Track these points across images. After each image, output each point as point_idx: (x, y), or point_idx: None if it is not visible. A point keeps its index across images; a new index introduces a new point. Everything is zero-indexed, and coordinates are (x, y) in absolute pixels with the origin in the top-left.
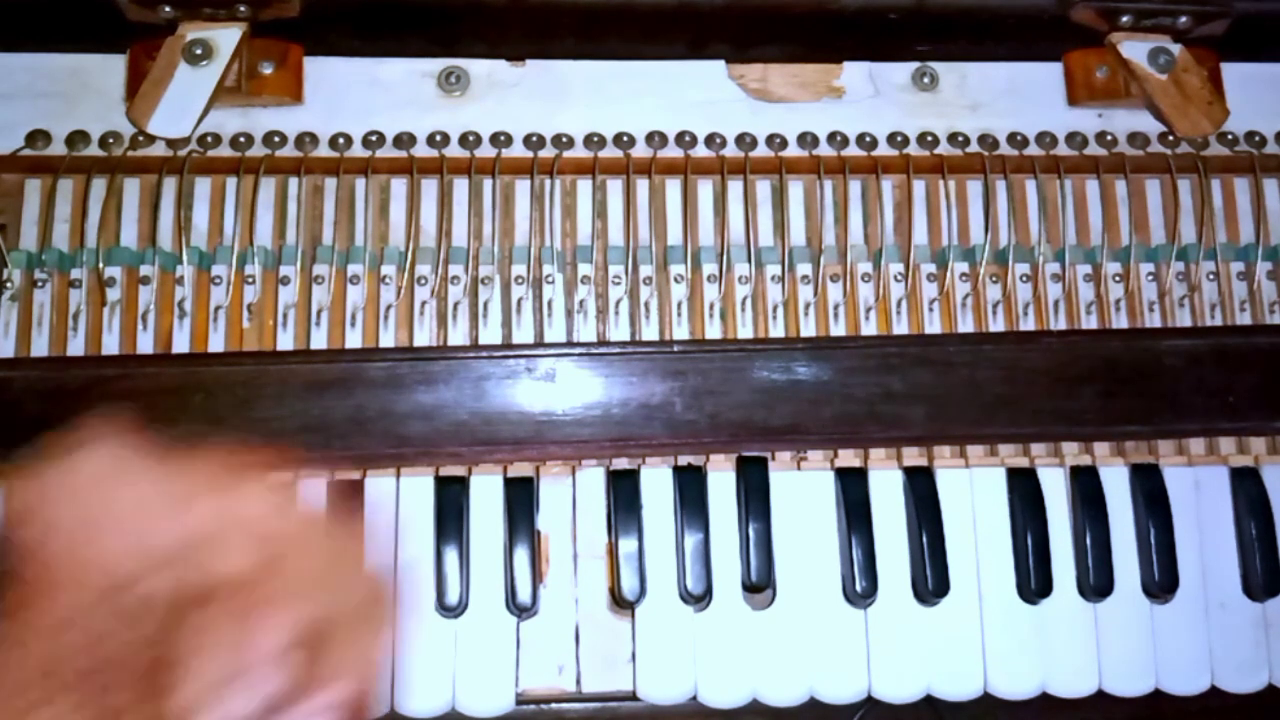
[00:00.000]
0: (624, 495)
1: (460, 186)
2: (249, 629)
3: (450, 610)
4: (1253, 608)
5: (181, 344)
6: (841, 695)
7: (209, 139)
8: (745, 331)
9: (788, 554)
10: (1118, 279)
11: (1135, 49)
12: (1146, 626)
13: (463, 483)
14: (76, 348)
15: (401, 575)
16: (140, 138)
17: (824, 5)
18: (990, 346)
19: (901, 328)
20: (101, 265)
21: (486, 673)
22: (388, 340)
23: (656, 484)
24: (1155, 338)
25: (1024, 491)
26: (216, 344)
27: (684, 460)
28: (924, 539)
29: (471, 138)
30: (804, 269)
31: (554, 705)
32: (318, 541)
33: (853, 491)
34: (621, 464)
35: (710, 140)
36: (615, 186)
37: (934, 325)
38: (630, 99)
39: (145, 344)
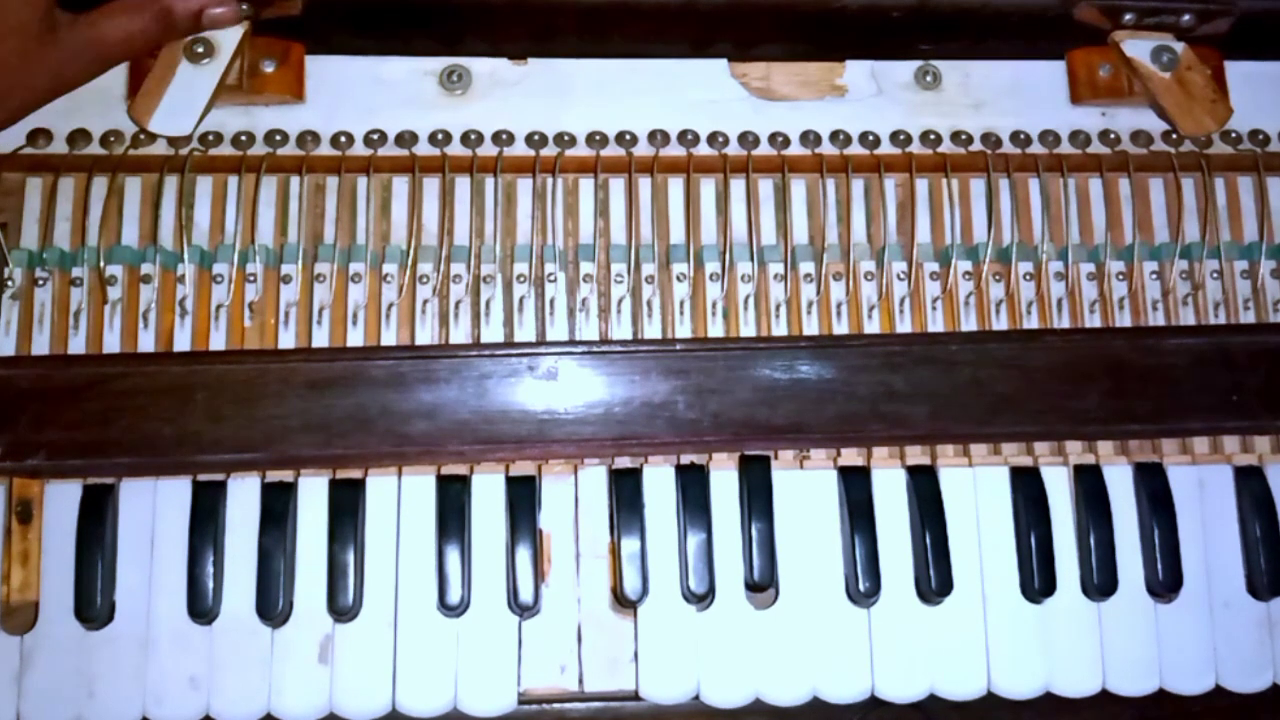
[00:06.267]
0: (626, 494)
1: (462, 185)
2: None
3: (452, 610)
4: (1257, 607)
5: (183, 343)
6: (844, 695)
7: (210, 137)
8: (748, 330)
9: (790, 553)
10: (1121, 277)
11: (1138, 47)
12: (1150, 626)
13: (464, 482)
14: (78, 346)
15: (403, 575)
16: (142, 136)
17: (827, 4)
18: (993, 345)
19: (904, 326)
20: (103, 264)
21: (488, 672)
22: (389, 339)
23: (659, 483)
24: (1159, 336)
25: (1027, 490)
26: (218, 342)
27: (686, 459)
28: (927, 538)
29: (473, 136)
30: (807, 267)
31: (556, 705)
32: None
33: (856, 490)
34: (624, 463)
35: (713, 139)
36: (618, 185)
37: (937, 324)
38: (633, 97)
39: (146, 343)
